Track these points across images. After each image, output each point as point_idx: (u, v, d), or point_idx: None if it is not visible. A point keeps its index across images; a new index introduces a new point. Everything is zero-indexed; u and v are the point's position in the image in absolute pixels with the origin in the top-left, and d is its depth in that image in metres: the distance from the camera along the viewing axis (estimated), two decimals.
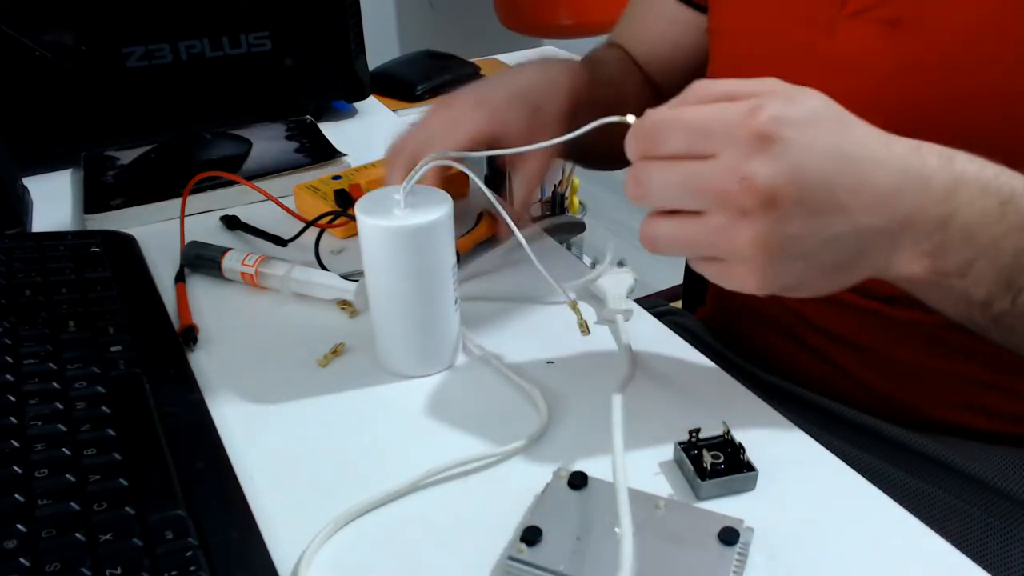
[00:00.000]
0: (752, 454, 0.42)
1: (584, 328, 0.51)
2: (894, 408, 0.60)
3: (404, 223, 0.46)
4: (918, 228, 0.39)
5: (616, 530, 0.38)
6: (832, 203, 0.37)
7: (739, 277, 0.39)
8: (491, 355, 0.52)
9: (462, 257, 0.59)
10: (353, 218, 0.48)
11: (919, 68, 0.50)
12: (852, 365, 0.62)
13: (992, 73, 0.48)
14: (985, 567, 0.37)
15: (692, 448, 0.43)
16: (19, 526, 0.37)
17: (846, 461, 0.44)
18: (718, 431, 0.43)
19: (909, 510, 0.41)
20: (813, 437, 0.46)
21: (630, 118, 0.41)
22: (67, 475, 0.40)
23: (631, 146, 0.40)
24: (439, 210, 0.47)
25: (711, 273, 0.40)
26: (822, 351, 0.63)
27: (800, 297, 0.41)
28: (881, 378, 0.60)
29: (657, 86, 0.77)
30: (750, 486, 0.42)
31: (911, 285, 0.43)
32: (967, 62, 0.49)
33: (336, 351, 0.54)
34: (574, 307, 0.50)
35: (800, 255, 0.38)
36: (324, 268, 0.61)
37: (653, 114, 0.39)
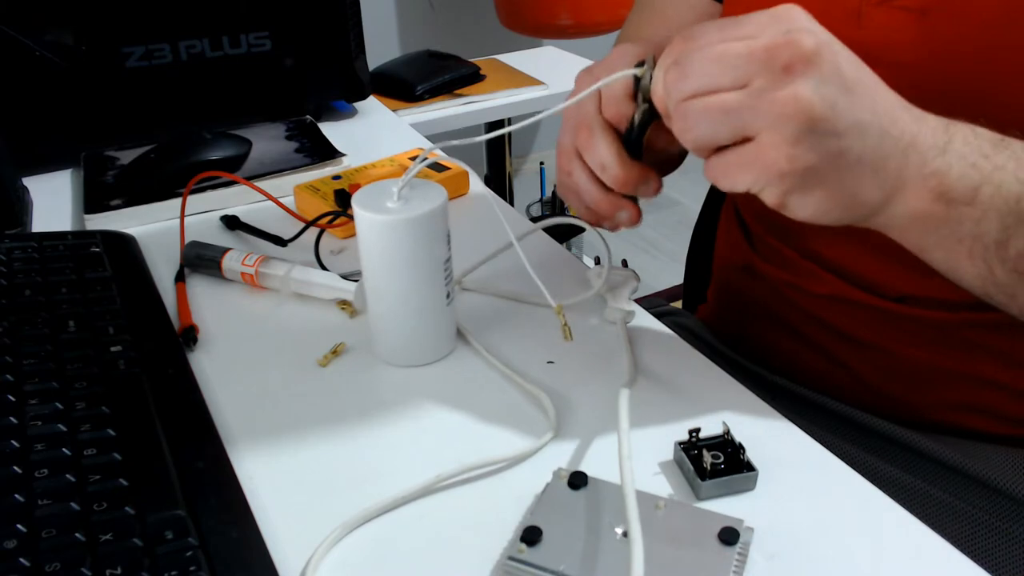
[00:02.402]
0: (752, 454, 0.42)
1: (567, 333, 0.52)
2: (897, 409, 0.60)
3: (399, 216, 0.47)
4: (921, 148, 0.41)
5: (616, 530, 0.38)
6: (862, 85, 0.40)
7: (765, 155, 0.39)
8: (492, 356, 0.53)
9: None
10: (353, 218, 0.48)
11: (947, 56, 0.50)
12: (858, 364, 0.61)
13: (1020, 59, 0.48)
14: (985, 567, 0.37)
15: (692, 448, 0.43)
16: (19, 526, 0.37)
17: (846, 461, 0.44)
18: (718, 431, 0.43)
19: (909, 510, 0.41)
20: (813, 436, 0.46)
21: (636, 70, 0.45)
22: (67, 475, 0.40)
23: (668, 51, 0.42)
24: (433, 203, 0.48)
25: (732, 164, 0.41)
26: (828, 350, 0.63)
27: (809, 219, 0.42)
28: (887, 378, 0.60)
29: None
30: (750, 486, 0.42)
31: (923, 228, 0.43)
32: (995, 49, 0.48)
33: (336, 351, 0.54)
34: (559, 312, 0.51)
35: (832, 131, 0.39)
36: (324, 268, 0.61)
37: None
